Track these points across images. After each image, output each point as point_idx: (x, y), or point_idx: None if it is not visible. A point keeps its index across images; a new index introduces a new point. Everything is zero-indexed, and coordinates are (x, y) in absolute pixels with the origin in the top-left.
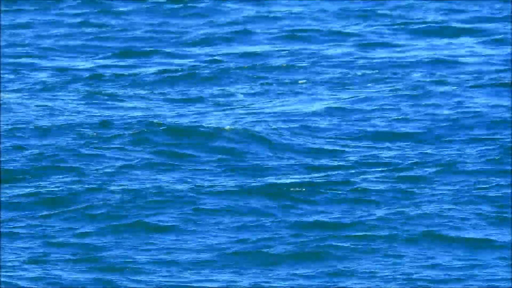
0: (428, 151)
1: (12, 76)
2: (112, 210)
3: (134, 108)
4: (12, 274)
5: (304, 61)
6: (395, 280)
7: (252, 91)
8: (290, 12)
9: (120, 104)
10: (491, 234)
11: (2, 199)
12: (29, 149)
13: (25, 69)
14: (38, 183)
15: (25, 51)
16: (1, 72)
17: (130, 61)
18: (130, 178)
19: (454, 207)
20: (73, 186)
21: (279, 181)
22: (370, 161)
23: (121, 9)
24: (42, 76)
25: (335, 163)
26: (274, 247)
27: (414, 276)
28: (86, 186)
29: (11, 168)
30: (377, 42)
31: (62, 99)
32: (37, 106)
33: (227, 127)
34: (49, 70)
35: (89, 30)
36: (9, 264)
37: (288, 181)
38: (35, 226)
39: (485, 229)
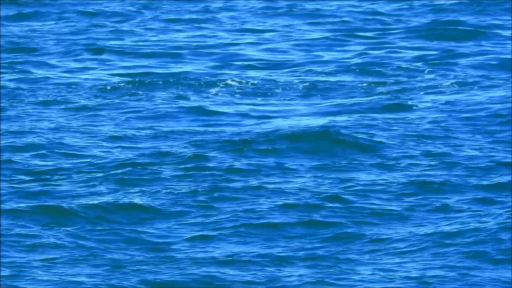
0: (443, 153)
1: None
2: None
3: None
4: (12, 274)
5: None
6: (409, 278)
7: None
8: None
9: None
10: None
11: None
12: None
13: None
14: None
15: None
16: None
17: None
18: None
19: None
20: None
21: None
22: (384, 165)
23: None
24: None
25: (348, 172)
26: (287, 251)
27: (426, 275)
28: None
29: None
30: (379, 43)
31: (65, 110)
32: (53, 111)
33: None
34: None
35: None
36: (10, 264)
37: (302, 187)
38: (38, 228)
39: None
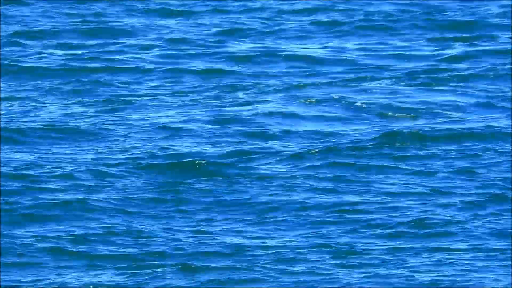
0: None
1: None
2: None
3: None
4: (12, 274)
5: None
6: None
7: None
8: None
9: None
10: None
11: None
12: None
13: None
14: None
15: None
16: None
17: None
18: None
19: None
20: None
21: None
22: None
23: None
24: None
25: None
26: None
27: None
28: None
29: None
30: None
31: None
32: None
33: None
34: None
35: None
36: (10, 264)
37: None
38: (39, 227)
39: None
